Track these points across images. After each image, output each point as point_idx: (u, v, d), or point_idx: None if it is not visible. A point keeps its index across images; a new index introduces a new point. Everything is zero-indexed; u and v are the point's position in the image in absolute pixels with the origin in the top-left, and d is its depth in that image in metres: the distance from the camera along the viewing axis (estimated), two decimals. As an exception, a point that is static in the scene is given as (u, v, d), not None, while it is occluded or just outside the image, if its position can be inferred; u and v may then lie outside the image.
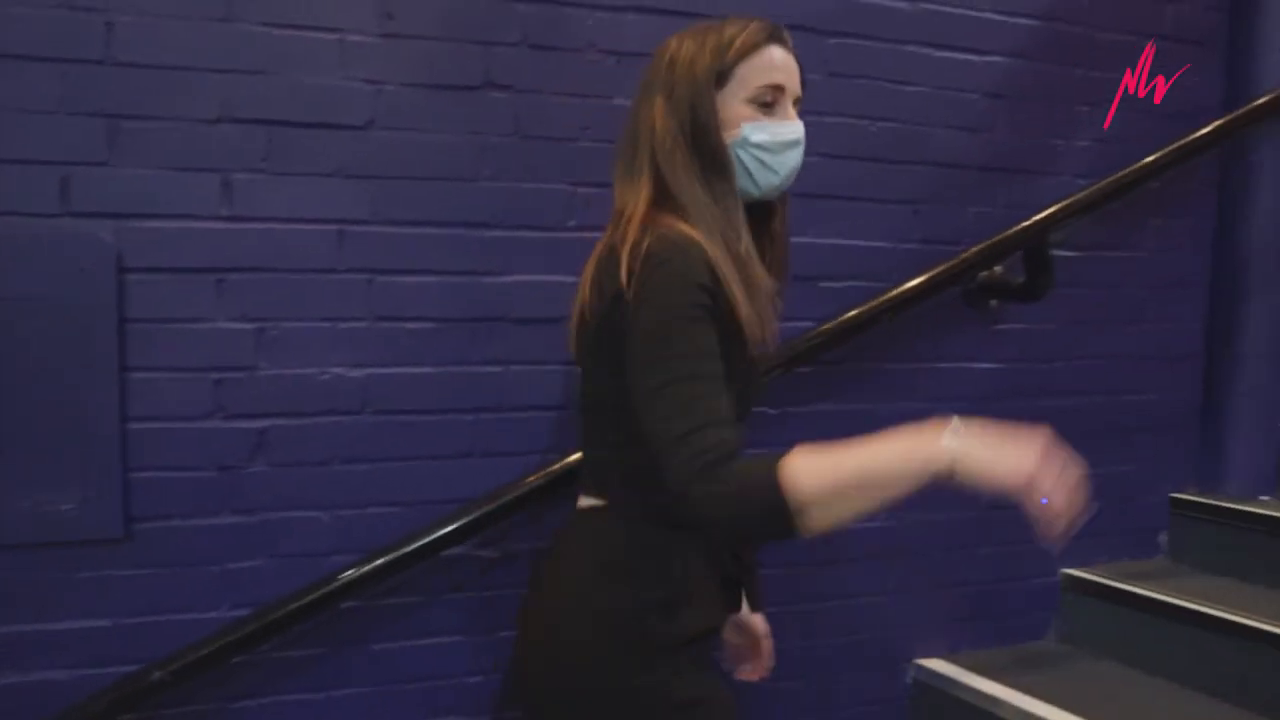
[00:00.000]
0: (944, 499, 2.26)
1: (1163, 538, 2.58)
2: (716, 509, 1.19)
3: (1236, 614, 2.16)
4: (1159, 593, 2.30)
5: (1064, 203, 2.20)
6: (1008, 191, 2.27)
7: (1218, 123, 2.38)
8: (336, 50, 1.73)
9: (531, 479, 1.80)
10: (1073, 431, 2.59)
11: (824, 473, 1.16)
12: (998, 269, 2.19)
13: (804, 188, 2.08)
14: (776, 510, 1.15)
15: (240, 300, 1.71)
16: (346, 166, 1.75)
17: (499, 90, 1.83)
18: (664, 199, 1.35)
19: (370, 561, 1.71)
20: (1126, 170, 2.27)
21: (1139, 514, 2.55)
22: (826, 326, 2.02)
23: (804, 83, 1.42)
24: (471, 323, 1.85)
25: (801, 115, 1.42)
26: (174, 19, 1.65)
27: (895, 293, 2.07)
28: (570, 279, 1.87)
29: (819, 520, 1.17)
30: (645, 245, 1.27)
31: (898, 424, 1.22)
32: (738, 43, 1.36)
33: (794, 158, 1.41)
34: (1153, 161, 2.28)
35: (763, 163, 1.38)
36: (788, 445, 1.20)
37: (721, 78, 1.36)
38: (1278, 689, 2.06)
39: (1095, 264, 2.41)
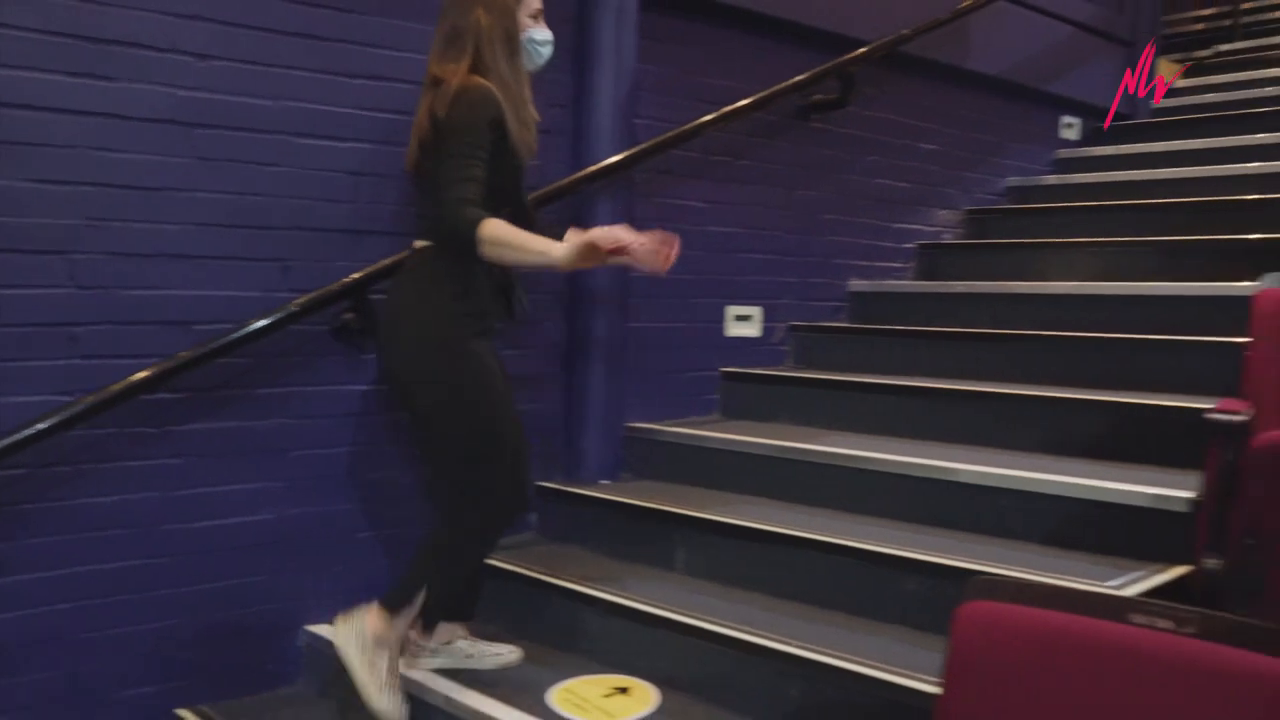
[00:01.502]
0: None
1: (533, 519, 3.27)
2: (452, 226, 2.29)
3: (569, 581, 2.78)
4: (512, 564, 2.94)
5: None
6: (373, 249, 2.82)
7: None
8: None
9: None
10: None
11: (500, 230, 2.26)
12: (348, 315, 2.76)
13: (180, 249, 2.58)
14: (472, 238, 2.25)
15: None
16: None
17: None
18: (476, 69, 2.38)
19: None
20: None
21: (514, 501, 3.21)
22: (186, 357, 2.49)
23: None
24: None
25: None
26: None
27: (248, 330, 2.56)
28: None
29: (490, 252, 2.28)
30: (462, 92, 2.33)
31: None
32: None
33: (549, 49, 2.59)
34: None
35: (538, 51, 2.56)
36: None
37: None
38: (608, 642, 2.65)
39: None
